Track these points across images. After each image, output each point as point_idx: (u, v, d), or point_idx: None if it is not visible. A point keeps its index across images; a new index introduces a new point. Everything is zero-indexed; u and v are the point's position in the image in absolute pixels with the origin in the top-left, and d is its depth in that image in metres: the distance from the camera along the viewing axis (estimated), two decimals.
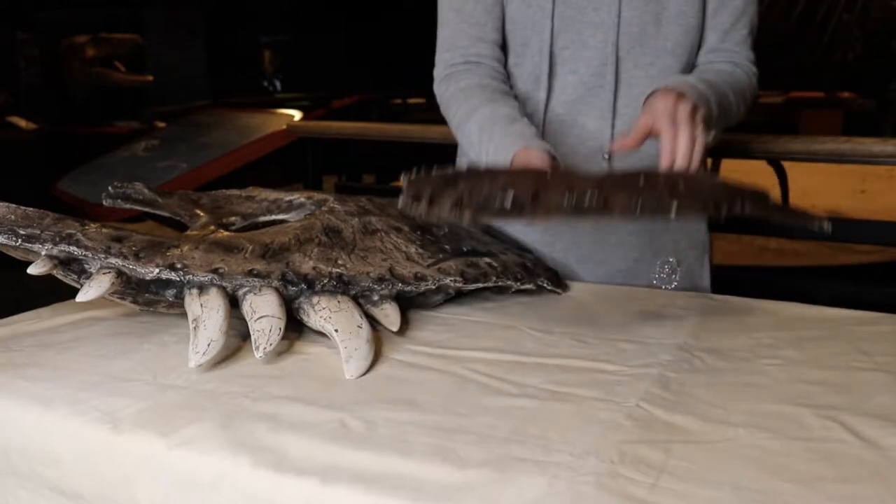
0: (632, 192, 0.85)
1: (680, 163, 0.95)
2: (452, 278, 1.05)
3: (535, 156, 1.01)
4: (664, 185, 0.88)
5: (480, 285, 1.08)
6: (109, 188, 1.22)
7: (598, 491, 0.63)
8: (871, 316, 1.06)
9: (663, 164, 0.95)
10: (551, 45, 1.22)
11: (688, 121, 0.96)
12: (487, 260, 1.11)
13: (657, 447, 0.71)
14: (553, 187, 0.86)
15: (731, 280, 1.42)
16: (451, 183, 0.86)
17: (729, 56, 1.23)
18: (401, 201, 0.85)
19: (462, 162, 1.37)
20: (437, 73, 1.29)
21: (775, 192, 2.93)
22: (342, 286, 0.98)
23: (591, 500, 0.62)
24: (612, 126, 1.23)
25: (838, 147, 1.84)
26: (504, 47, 1.27)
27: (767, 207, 0.93)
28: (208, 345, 0.88)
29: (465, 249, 1.12)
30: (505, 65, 1.27)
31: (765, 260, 2.89)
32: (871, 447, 0.71)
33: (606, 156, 1.23)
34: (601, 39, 1.21)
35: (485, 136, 1.13)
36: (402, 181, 0.88)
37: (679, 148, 0.95)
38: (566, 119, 1.25)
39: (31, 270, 0.93)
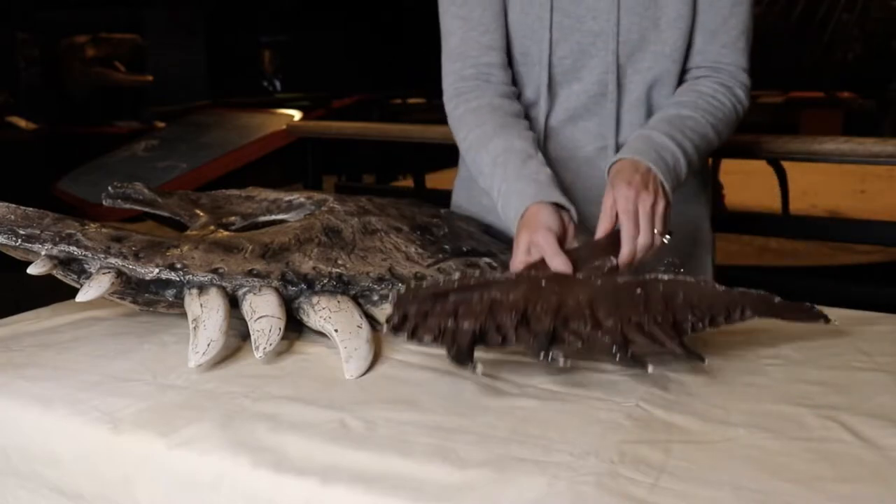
0: (622, 316, 0.85)
1: (637, 260, 0.98)
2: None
3: (545, 215, 0.99)
4: (662, 296, 0.88)
5: None
6: (109, 188, 1.22)
7: (598, 491, 0.63)
8: (871, 316, 1.06)
9: (623, 259, 0.96)
10: (550, 56, 1.21)
11: (648, 220, 0.98)
12: (487, 260, 1.11)
13: (657, 447, 0.71)
14: (544, 299, 0.86)
15: (731, 280, 1.42)
16: (441, 298, 0.86)
17: (716, 59, 1.19)
18: (385, 326, 0.85)
19: (463, 169, 1.36)
20: (447, 85, 1.25)
21: (775, 192, 2.94)
22: (342, 286, 0.98)
23: (591, 500, 0.63)
24: (616, 133, 1.22)
25: (838, 147, 1.84)
26: (509, 55, 1.25)
27: (772, 309, 0.93)
28: (208, 345, 0.88)
29: (464, 249, 1.12)
30: (512, 74, 1.25)
31: (765, 260, 2.89)
32: (870, 447, 0.71)
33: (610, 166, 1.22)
34: (601, 48, 1.19)
35: (498, 171, 1.10)
36: (391, 298, 0.88)
37: (639, 247, 0.97)
38: (568, 128, 1.24)
39: (31, 270, 0.93)
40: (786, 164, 2.86)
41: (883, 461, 0.69)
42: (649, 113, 1.22)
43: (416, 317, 0.85)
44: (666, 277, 0.89)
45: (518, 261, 0.97)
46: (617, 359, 0.81)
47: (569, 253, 0.95)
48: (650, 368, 0.79)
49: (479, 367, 0.78)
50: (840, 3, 7.08)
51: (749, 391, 0.83)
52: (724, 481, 0.65)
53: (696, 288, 0.90)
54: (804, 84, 6.64)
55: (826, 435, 0.73)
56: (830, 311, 1.06)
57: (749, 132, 1.79)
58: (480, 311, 0.85)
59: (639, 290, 0.88)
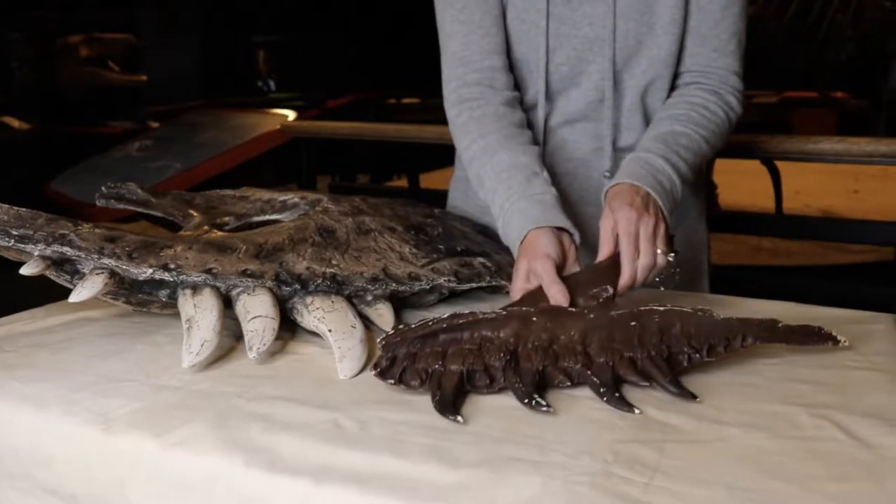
0: (614, 352, 0.84)
1: (638, 282, 0.98)
2: (446, 278, 1.05)
3: (544, 241, 0.99)
4: (658, 328, 0.87)
5: (474, 285, 1.08)
6: (103, 188, 1.21)
7: (592, 490, 0.64)
8: (865, 315, 1.06)
9: (623, 283, 0.96)
10: (547, 63, 1.20)
11: (649, 241, 0.98)
12: (481, 260, 1.11)
13: (651, 446, 0.71)
14: (534, 335, 0.86)
15: (725, 279, 1.42)
16: (430, 339, 0.86)
17: (707, 62, 1.19)
18: (372, 370, 0.85)
19: (460, 168, 1.36)
20: (449, 91, 1.23)
21: (769, 192, 2.95)
22: (336, 286, 0.98)
23: (585, 500, 0.63)
24: (614, 135, 1.22)
25: (832, 147, 1.85)
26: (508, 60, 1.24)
27: (776, 335, 0.90)
28: (202, 345, 0.88)
29: (459, 249, 1.12)
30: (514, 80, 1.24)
31: (758, 259, 2.90)
32: (864, 446, 0.71)
33: (607, 174, 1.22)
34: (598, 54, 1.19)
35: (501, 187, 1.09)
36: (378, 345, 0.87)
37: (639, 270, 0.97)
38: (566, 129, 1.24)
39: (24, 271, 0.93)
40: (779, 164, 2.88)
41: (876, 460, 0.69)
42: (646, 116, 1.22)
43: (404, 360, 0.85)
44: (662, 308, 0.88)
45: (517, 288, 0.97)
46: (604, 399, 0.81)
47: (567, 279, 0.94)
48: (636, 411, 0.79)
49: (461, 419, 0.77)
50: (834, 3, 7.09)
51: (743, 390, 0.83)
52: (718, 480, 0.65)
53: (693, 318, 0.88)
54: (798, 84, 6.66)
55: (819, 434, 0.74)
56: (824, 311, 1.07)
57: (743, 132, 1.80)
58: (470, 351, 0.85)
59: (633, 323, 0.87)
